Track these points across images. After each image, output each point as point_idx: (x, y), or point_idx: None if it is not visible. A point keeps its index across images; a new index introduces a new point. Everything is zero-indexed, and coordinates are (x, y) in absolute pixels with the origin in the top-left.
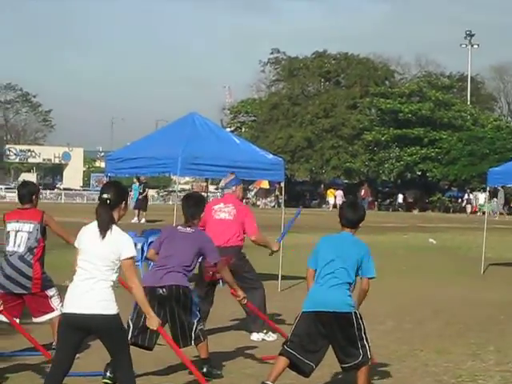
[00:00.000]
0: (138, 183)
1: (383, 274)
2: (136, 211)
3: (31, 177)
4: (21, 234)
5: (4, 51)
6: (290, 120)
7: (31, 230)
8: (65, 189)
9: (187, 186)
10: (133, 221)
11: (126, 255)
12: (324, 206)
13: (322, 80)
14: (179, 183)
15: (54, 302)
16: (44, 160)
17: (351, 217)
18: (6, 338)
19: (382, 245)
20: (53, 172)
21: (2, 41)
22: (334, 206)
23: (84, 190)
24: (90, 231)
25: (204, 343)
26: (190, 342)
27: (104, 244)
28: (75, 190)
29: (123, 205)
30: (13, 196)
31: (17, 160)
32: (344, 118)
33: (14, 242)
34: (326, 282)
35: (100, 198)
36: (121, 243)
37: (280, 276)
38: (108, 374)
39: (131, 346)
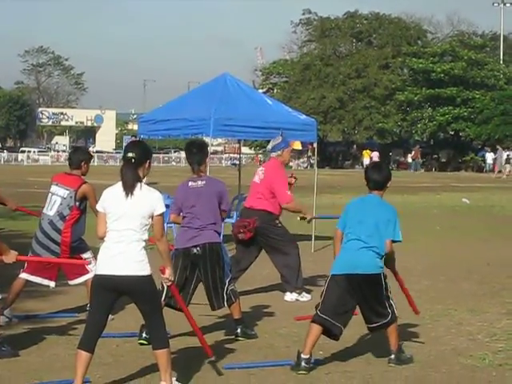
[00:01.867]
0: None
1: (417, 234)
2: None
3: (64, 140)
4: (55, 198)
5: (35, 15)
6: (322, 81)
7: (65, 196)
8: (97, 151)
9: (220, 148)
10: None
11: (159, 211)
12: (357, 166)
13: (354, 40)
14: (212, 145)
15: (90, 265)
16: (76, 123)
17: (376, 178)
18: (42, 301)
19: (416, 205)
20: (85, 135)
21: (34, 5)
22: None
23: (117, 153)
24: (115, 192)
25: (236, 303)
26: (223, 303)
27: (134, 202)
28: (108, 152)
29: (147, 164)
30: (46, 159)
31: (49, 123)
32: (376, 79)
33: (48, 205)
34: (354, 244)
35: (124, 157)
36: (153, 200)
37: (313, 236)
38: (144, 334)
39: (164, 308)
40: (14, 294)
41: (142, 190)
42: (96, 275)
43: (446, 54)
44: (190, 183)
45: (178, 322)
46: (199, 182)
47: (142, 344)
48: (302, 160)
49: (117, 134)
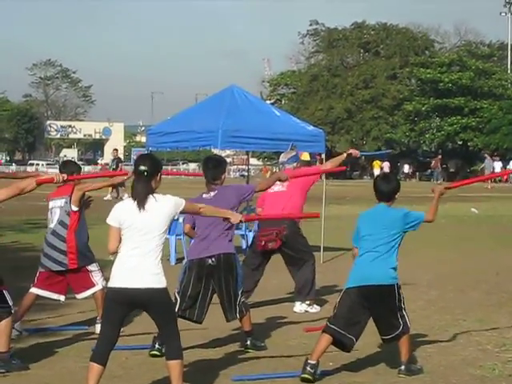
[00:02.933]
0: (112, 158)
1: (425, 244)
2: (110, 188)
3: (72, 152)
4: (55, 210)
5: (43, 29)
6: (330, 91)
7: (62, 205)
8: (105, 164)
9: (228, 160)
10: (105, 198)
11: (182, 206)
12: (365, 177)
13: (362, 51)
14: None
15: (95, 276)
16: (85, 135)
17: (385, 189)
18: (52, 314)
19: None
20: (94, 147)
21: (41, 19)
22: None
23: (125, 165)
24: (130, 206)
25: (247, 316)
26: (236, 315)
27: (149, 215)
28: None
29: (158, 177)
30: (54, 172)
31: (58, 136)
32: (384, 89)
33: (50, 220)
34: (366, 256)
35: (136, 171)
36: (169, 205)
37: (322, 247)
38: (156, 345)
39: (179, 319)
40: (24, 307)
41: (155, 201)
42: (111, 288)
43: (453, 63)
44: (204, 195)
45: (189, 333)
46: (211, 194)
47: (154, 355)
48: None
49: (125, 147)
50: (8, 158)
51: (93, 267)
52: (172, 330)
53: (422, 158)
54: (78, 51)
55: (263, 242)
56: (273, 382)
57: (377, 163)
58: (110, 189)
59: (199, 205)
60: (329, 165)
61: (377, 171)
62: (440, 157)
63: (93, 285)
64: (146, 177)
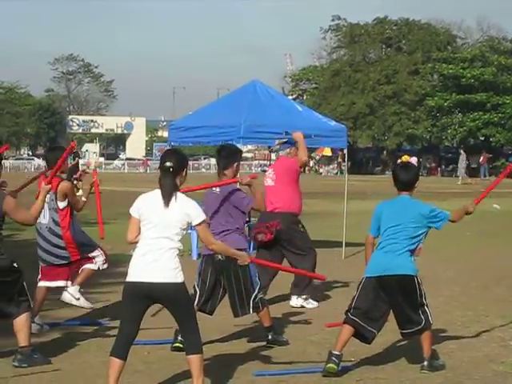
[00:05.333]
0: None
1: (447, 240)
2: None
3: (94, 147)
4: (45, 205)
5: (65, 24)
6: (352, 87)
7: (48, 201)
8: (127, 158)
9: (249, 155)
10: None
11: (198, 220)
12: (387, 172)
13: (384, 46)
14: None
15: (97, 259)
16: (107, 130)
17: (405, 178)
18: (72, 308)
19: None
20: (115, 142)
21: (64, 15)
22: None
23: (147, 160)
24: (152, 200)
25: (265, 311)
26: (249, 310)
27: (170, 211)
28: (138, 159)
29: (184, 172)
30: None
31: (80, 130)
32: (406, 84)
33: (43, 214)
34: (388, 247)
35: (162, 167)
36: (189, 209)
37: (344, 243)
38: (179, 337)
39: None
40: (38, 302)
41: (179, 199)
42: (128, 282)
43: (475, 59)
44: (213, 189)
45: (209, 328)
46: (217, 190)
47: (177, 348)
48: (332, 166)
49: (147, 141)
50: (30, 153)
51: (95, 253)
52: (191, 325)
53: (444, 154)
54: (100, 47)
55: (253, 234)
56: (294, 378)
57: (405, 158)
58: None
59: (212, 239)
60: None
61: None
62: (485, 152)
63: (91, 262)
64: (171, 173)
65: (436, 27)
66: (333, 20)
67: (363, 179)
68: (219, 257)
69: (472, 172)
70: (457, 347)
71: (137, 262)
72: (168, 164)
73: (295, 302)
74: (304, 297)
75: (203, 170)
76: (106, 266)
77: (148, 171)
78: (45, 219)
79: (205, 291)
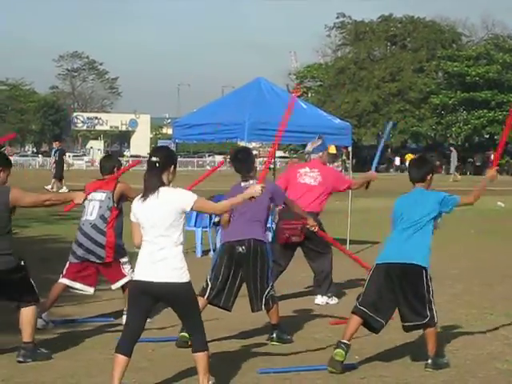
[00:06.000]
0: (55, 149)
1: (451, 238)
2: (53, 180)
3: (98, 144)
4: (93, 203)
5: (69, 22)
6: (357, 84)
7: (103, 199)
8: (132, 156)
9: (254, 152)
10: (48, 187)
11: (191, 203)
12: (391, 170)
13: (388, 44)
14: None
15: (126, 268)
16: (111, 127)
17: (417, 170)
18: (78, 305)
19: None
20: (120, 139)
21: (68, 12)
22: None
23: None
24: (141, 201)
25: (274, 309)
26: (261, 307)
27: (158, 208)
28: (142, 156)
29: (172, 168)
30: (80, 163)
31: (84, 127)
32: (411, 82)
33: (87, 211)
34: (400, 235)
35: (148, 161)
36: (177, 199)
37: (348, 240)
38: (183, 332)
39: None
40: (52, 298)
41: (163, 193)
42: (134, 281)
43: (480, 57)
44: (242, 184)
45: (214, 326)
46: (251, 181)
47: (183, 337)
48: (336, 164)
49: (151, 139)
50: (35, 150)
51: (124, 259)
52: (196, 323)
53: (448, 152)
54: (105, 44)
55: (287, 235)
56: (298, 375)
57: (409, 156)
58: (53, 180)
59: (216, 204)
60: (359, 180)
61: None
62: (493, 150)
63: (123, 276)
64: (157, 168)
65: (441, 25)
66: (337, 17)
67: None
68: (240, 249)
69: (477, 170)
70: (461, 345)
71: (142, 261)
72: (154, 159)
73: (320, 300)
74: (329, 295)
75: (208, 167)
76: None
77: None
78: (91, 216)
79: (217, 284)
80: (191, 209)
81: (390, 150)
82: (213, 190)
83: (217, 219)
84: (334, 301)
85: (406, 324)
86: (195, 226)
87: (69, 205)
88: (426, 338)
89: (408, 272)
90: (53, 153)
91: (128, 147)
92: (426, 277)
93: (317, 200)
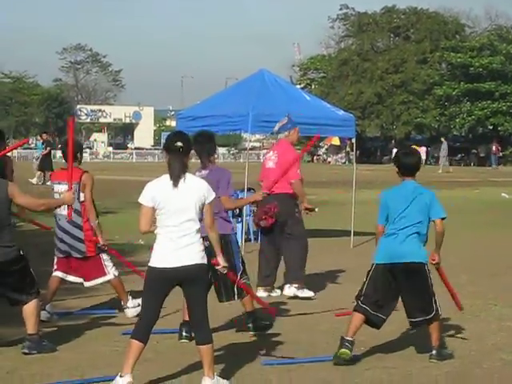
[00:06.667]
0: (41, 141)
1: (456, 229)
2: (39, 172)
3: (102, 137)
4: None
5: (72, 14)
6: (360, 76)
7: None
8: (136, 148)
9: (258, 144)
10: (33, 180)
11: (211, 198)
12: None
13: (392, 35)
14: (250, 141)
15: (108, 266)
16: (115, 120)
17: (409, 163)
18: (81, 297)
19: (454, 200)
20: (124, 131)
21: (71, 4)
22: None
23: (155, 149)
24: (165, 185)
25: (247, 297)
26: (234, 297)
27: (186, 193)
28: (146, 149)
29: (190, 154)
30: (84, 156)
31: (88, 120)
32: (414, 73)
33: (63, 205)
34: (397, 234)
35: (172, 147)
36: (203, 188)
37: (352, 232)
38: (184, 333)
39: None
40: (51, 290)
41: (190, 180)
42: (156, 268)
43: (484, 48)
44: (197, 173)
45: (217, 318)
46: (203, 172)
47: (186, 338)
48: (340, 155)
49: (155, 131)
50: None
51: (105, 256)
52: (204, 312)
53: (452, 143)
54: (108, 36)
55: (256, 221)
56: (302, 367)
57: (414, 148)
58: (38, 172)
59: (213, 225)
60: (302, 190)
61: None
62: (496, 141)
63: (104, 274)
64: (181, 153)
65: (444, 16)
66: (341, 9)
67: (371, 168)
68: (205, 244)
69: (481, 161)
70: (466, 336)
71: (163, 249)
72: (179, 144)
73: (287, 291)
74: (296, 286)
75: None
76: (116, 272)
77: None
78: (66, 210)
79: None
80: (209, 202)
81: (393, 141)
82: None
83: (237, 212)
84: (305, 293)
85: (413, 320)
86: None
87: (68, 211)
88: (430, 329)
89: (410, 270)
90: (39, 145)
91: (132, 139)
92: (427, 272)
93: (279, 182)
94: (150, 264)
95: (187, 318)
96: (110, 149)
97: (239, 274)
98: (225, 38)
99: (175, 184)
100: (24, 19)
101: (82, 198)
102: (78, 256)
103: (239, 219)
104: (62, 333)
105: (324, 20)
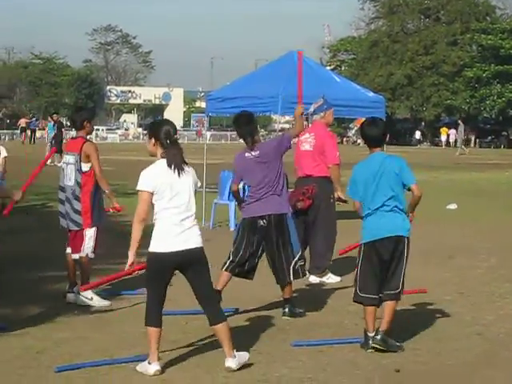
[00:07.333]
0: (52, 123)
1: (485, 211)
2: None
3: (132, 118)
4: (70, 167)
5: None
6: (390, 57)
7: (73, 162)
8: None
9: (287, 125)
10: (59, 164)
11: (199, 185)
12: (425, 143)
13: (422, 16)
14: (280, 122)
15: (87, 244)
16: (144, 101)
17: (374, 133)
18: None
19: (484, 182)
20: (153, 113)
21: None
22: (447, 144)
23: (184, 131)
24: (165, 171)
25: (291, 283)
26: (289, 278)
27: (186, 179)
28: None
29: None
30: (114, 137)
31: (118, 101)
32: (444, 55)
33: (65, 176)
34: (377, 209)
35: (172, 138)
36: (194, 175)
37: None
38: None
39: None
40: (70, 269)
41: (187, 167)
42: (160, 253)
43: None
44: (247, 154)
45: (247, 299)
46: (253, 153)
47: None
48: None
49: (184, 112)
50: (68, 123)
51: (90, 233)
52: (212, 291)
53: (482, 125)
54: (139, 17)
55: (293, 203)
56: (332, 348)
57: (444, 130)
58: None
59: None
60: (339, 176)
61: (444, 137)
62: None
63: (78, 250)
64: (178, 144)
65: None
66: None
67: (401, 150)
68: (261, 223)
69: (511, 143)
70: (494, 318)
71: (168, 233)
72: (177, 136)
73: (313, 278)
74: (320, 274)
75: (241, 140)
76: (92, 254)
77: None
78: (71, 181)
79: (238, 257)
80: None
81: (423, 123)
82: (218, 165)
83: None
84: (331, 279)
85: (387, 292)
86: (228, 199)
87: (9, 205)
88: (384, 310)
89: (395, 243)
90: (50, 128)
91: None
92: (407, 248)
93: (317, 164)
94: (154, 250)
95: (219, 287)
96: (140, 130)
97: (298, 256)
98: (254, 19)
99: (180, 171)
100: (52, 2)
101: (84, 169)
102: (76, 228)
103: None
104: (90, 313)
105: (354, 1)
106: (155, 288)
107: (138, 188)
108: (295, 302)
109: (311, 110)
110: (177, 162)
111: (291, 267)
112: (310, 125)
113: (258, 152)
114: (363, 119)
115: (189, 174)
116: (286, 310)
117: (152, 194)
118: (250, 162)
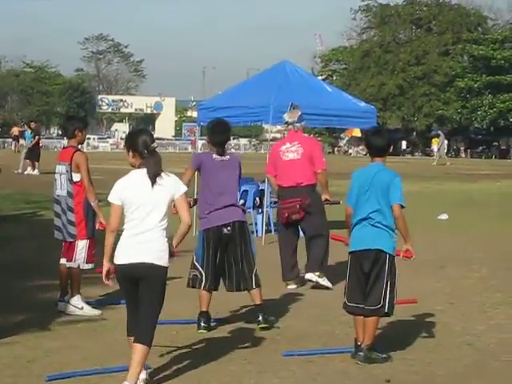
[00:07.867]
0: (29, 131)
1: (477, 222)
2: (28, 161)
3: (123, 127)
4: (62, 177)
5: (96, 4)
6: (382, 67)
7: (64, 172)
8: (157, 138)
9: (279, 135)
10: (33, 172)
11: (182, 191)
12: (416, 153)
13: (414, 27)
14: (271, 132)
15: (79, 254)
16: (136, 110)
17: (379, 143)
18: (98, 287)
19: (475, 192)
20: (145, 122)
21: None
22: None
23: (176, 140)
24: (136, 181)
25: (257, 289)
26: (252, 285)
27: (158, 191)
28: (167, 139)
29: None
30: (105, 146)
31: (109, 110)
32: (436, 65)
33: (57, 186)
34: (363, 219)
35: (150, 148)
36: (172, 186)
37: None
38: (202, 324)
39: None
40: (61, 280)
41: (163, 178)
42: (119, 265)
43: (506, 40)
44: (214, 156)
45: (235, 308)
46: (223, 158)
47: (201, 333)
48: (361, 147)
49: (176, 121)
50: (60, 132)
51: (82, 245)
52: (153, 314)
53: (473, 136)
54: (130, 26)
55: (286, 214)
56: (322, 358)
57: (435, 140)
58: (30, 162)
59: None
60: (325, 183)
61: (435, 147)
62: None
63: (70, 259)
64: (157, 153)
65: (466, 8)
66: (363, 1)
67: (392, 160)
68: (225, 230)
69: (502, 154)
70: (485, 329)
71: (126, 244)
72: (155, 145)
73: (309, 275)
74: (317, 274)
75: (232, 150)
76: (85, 265)
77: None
78: (62, 191)
79: (212, 269)
80: (180, 195)
81: (415, 133)
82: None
83: (258, 203)
84: (324, 282)
85: (352, 305)
86: (253, 208)
87: None
88: (365, 324)
89: (375, 256)
90: (28, 135)
91: (153, 130)
92: (388, 263)
93: (307, 173)
94: (114, 261)
95: (205, 309)
96: None
97: (255, 263)
98: (246, 28)
99: (154, 183)
100: (46, 9)
101: (74, 179)
102: (71, 240)
103: (259, 210)
104: (80, 322)
105: (346, 11)
106: (126, 298)
107: (109, 199)
108: (267, 309)
109: (289, 119)
110: (153, 172)
111: (253, 275)
112: (286, 134)
113: (227, 157)
114: (355, 129)
115: (164, 186)
116: (260, 318)
117: (121, 206)
118: (216, 164)
